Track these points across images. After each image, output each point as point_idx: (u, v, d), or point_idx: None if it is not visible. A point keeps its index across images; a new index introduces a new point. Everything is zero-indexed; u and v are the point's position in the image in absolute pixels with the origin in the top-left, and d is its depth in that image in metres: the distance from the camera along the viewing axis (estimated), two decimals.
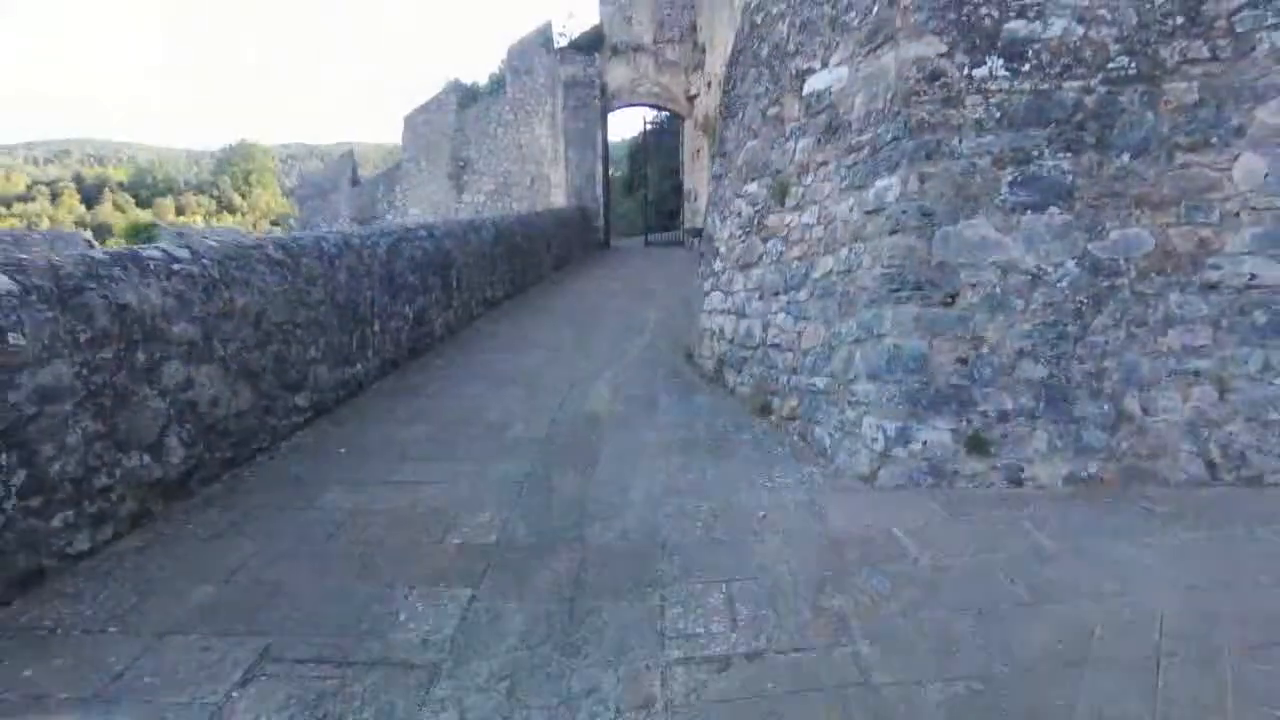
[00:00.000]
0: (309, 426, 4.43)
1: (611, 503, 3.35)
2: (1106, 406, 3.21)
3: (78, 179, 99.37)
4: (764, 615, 2.39)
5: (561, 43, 20.61)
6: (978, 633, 2.22)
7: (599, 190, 19.62)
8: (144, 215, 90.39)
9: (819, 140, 4.42)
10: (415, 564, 2.81)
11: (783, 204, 4.69)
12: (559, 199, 19.75)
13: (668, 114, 22.27)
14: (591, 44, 20.63)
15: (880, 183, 3.85)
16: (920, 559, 2.66)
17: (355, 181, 19.62)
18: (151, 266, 3.29)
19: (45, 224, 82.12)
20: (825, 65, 4.51)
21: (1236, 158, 3.35)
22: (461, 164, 20.04)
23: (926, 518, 2.97)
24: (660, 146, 26.43)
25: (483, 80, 23.27)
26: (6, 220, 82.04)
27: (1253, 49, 3.44)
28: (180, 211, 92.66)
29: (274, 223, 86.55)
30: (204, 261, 3.64)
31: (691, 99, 20.52)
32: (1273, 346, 3.13)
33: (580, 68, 20.01)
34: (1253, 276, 3.23)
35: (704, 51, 19.78)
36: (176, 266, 3.44)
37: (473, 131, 20.23)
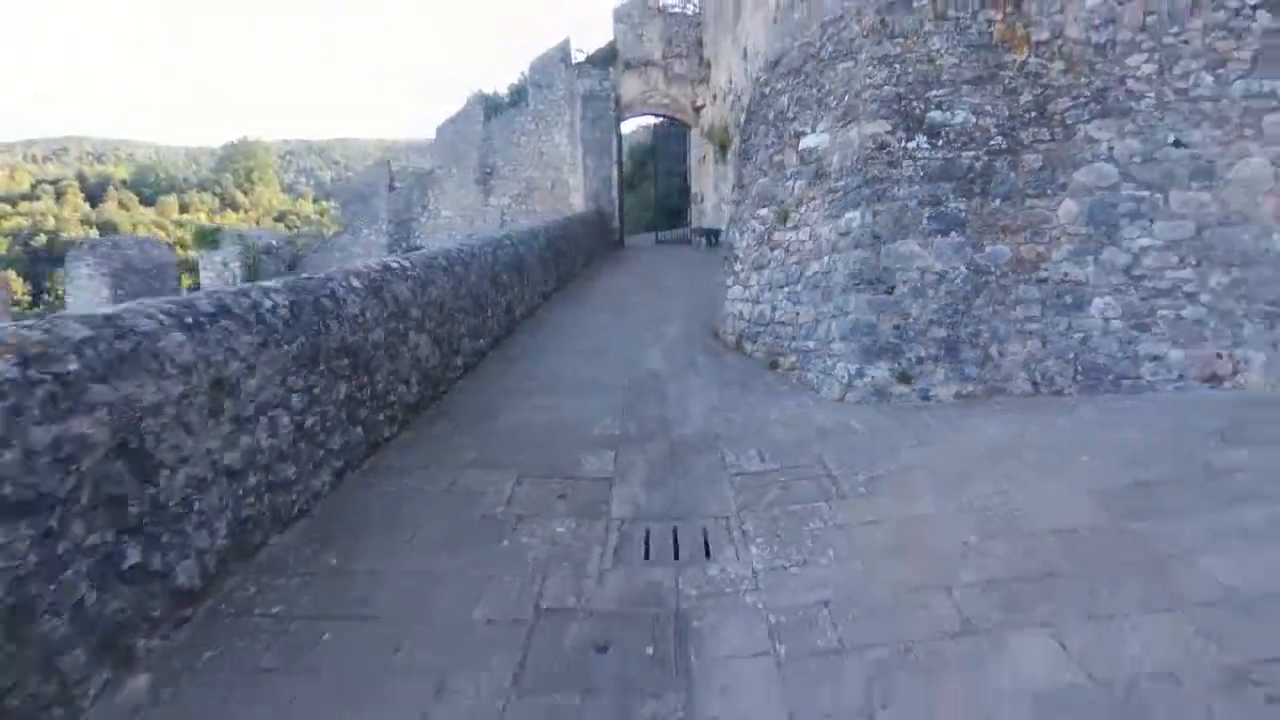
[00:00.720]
0: (462, 379, 6.61)
1: (680, 416, 5.54)
2: (979, 352, 5.41)
3: (80, 177, 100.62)
4: (776, 456, 4.59)
5: (579, 58, 22.77)
6: (890, 453, 4.41)
7: (614, 194, 21.77)
8: (148, 213, 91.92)
9: (809, 182, 6.62)
10: (576, 443, 4.99)
11: (785, 225, 6.89)
12: (577, 202, 21.91)
13: (673, 120, 24.37)
14: (606, 59, 22.77)
15: (848, 215, 6.05)
16: (863, 432, 4.87)
17: (392, 187, 21.75)
18: (401, 272, 5.48)
19: (51, 222, 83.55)
20: (814, 130, 6.71)
21: (1061, 202, 5.56)
22: (488, 170, 22.19)
23: (870, 416, 5.17)
24: (665, 149, 28.59)
25: (503, 89, 25.39)
26: (12, 219, 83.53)
27: (1074, 135, 5.65)
28: (184, 209, 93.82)
29: (277, 219, 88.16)
30: (418, 268, 5.83)
31: (698, 109, 22.67)
32: (1073, 316, 5.34)
33: (596, 81, 22.14)
34: (1065, 275, 5.43)
35: (709, 66, 21.92)
36: (410, 272, 5.63)
37: (498, 140, 22.37)
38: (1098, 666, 2.39)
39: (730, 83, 18.76)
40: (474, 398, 6.10)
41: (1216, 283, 5.21)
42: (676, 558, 3.43)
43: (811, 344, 6.16)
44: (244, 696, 2.44)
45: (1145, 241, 5.37)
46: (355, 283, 4.72)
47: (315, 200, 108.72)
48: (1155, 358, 5.19)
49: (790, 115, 7.06)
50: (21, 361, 2.25)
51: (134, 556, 2.60)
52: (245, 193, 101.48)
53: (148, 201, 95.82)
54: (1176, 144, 5.50)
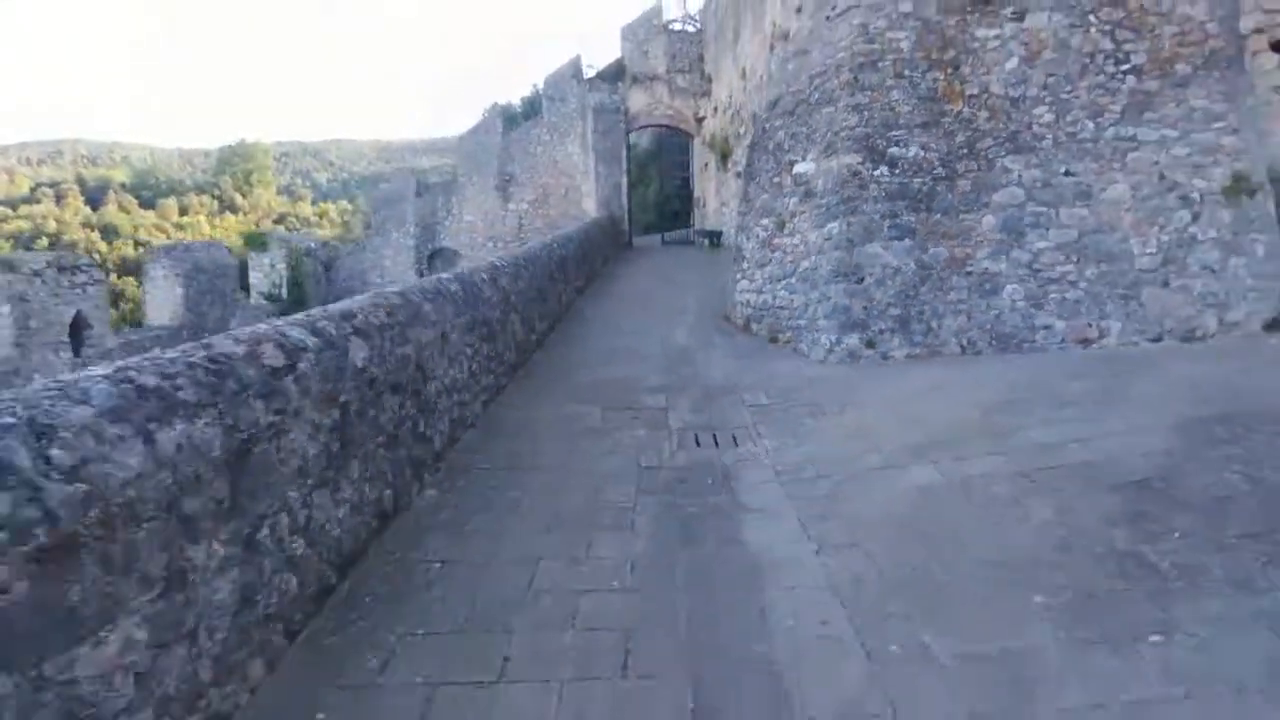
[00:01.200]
0: (536, 352, 8.74)
1: (707, 373, 7.68)
2: (923, 326, 7.57)
3: (80, 180, 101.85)
4: (777, 395, 6.73)
5: (589, 74, 24.93)
6: (855, 392, 6.55)
7: (624, 199, 23.93)
8: (149, 216, 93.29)
9: (800, 200, 8.77)
10: (637, 390, 7.13)
11: (782, 232, 9.04)
12: (589, 206, 24.05)
13: (677, 130, 26.54)
14: (615, 74, 24.95)
15: (829, 225, 8.21)
16: (838, 380, 7.02)
17: (419, 194, 23.84)
18: (503, 269, 7.62)
19: (52, 225, 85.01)
20: (804, 159, 8.88)
21: (984, 216, 7.73)
22: (507, 178, 24.33)
23: (844, 371, 7.32)
24: (667, 153, 30.76)
25: (516, 101, 27.56)
26: (13, 222, 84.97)
27: (994, 166, 7.83)
28: (184, 212, 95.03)
29: (276, 221, 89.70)
30: (510, 266, 7.97)
31: (700, 120, 24.85)
32: (991, 299, 7.51)
33: (606, 95, 24.31)
34: (985, 269, 7.60)
35: (710, 81, 24.10)
36: (507, 269, 7.76)
37: (516, 150, 24.51)
38: (953, 476, 4.54)
39: (730, 97, 20.95)
40: (550, 364, 8.25)
41: (1090, 274, 7.39)
42: (716, 445, 5.58)
43: (803, 322, 8.32)
44: (487, 497, 4.58)
45: (1042, 244, 7.55)
46: (484, 275, 6.86)
47: (314, 202, 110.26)
48: (1046, 327, 7.37)
49: (786, 147, 9.23)
50: (389, 311, 4.39)
51: (422, 425, 4.73)
52: (244, 195, 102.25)
53: (147, 204, 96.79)
54: (1066, 173, 7.68)
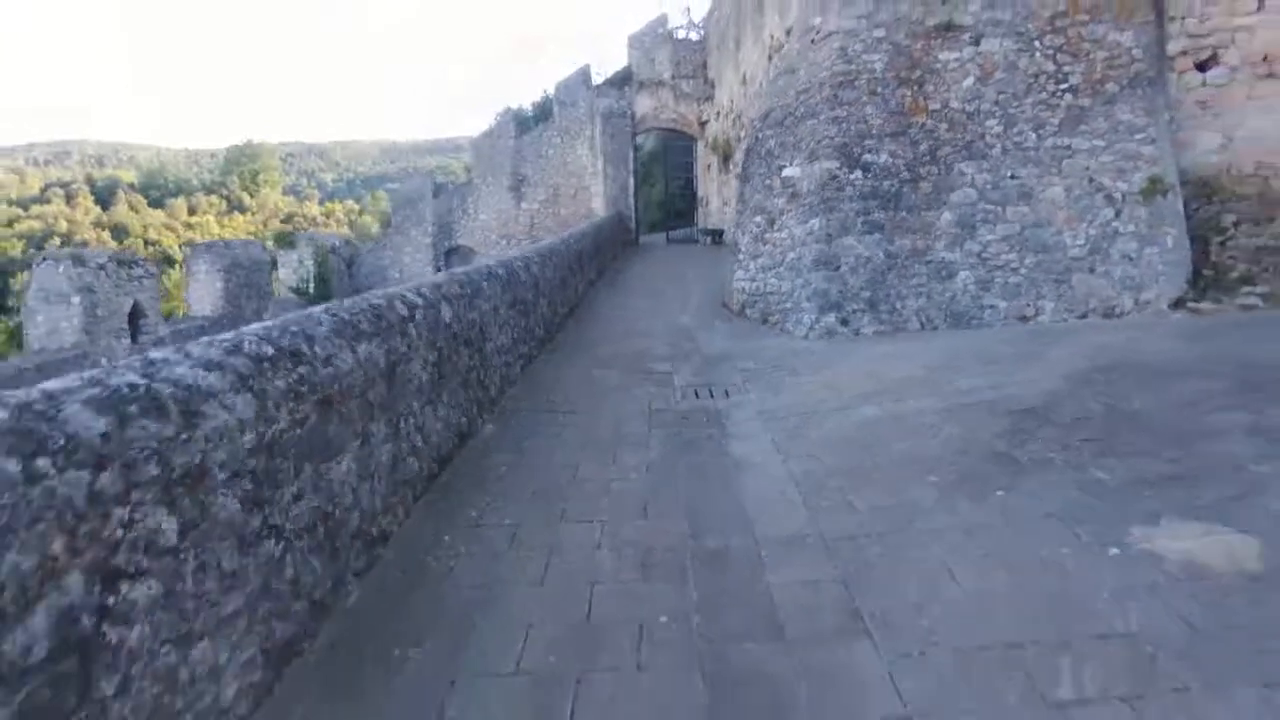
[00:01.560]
0: (559, 332, 10.18)
1: (707, 347, 9.12)
2: (889, 306, 9.00)
3: (89, 180, 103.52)
4: (764, 363, 8.16)
5: (598, 80, 26.40)
6: (829, 359, 7.97)
7: (630, 199, 25.39)
8: (158, 215, 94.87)
9: (787, 200, 10.21)
10: (648, 358, 8.57)
11: (772, 228, 10.47)
12: (598, 205, 25.51)
13: (681, 134, 27.97)
14: (622, 80, 26.41)
15: (812, 221, 9.64)
16: (816, 351, 8.45)
17: (436, 194, 25.33)
18: (534, 258, 9.07)
19: (63, 225, 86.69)
20: (791, 164, 10.31)
21: (942, 214, 9.16)
22: (520, 179, 25.80)
23: (822, 344, 8.75)
24: (671, 153, 32.18)
25: (526, 108, 29.03)
26: (25, 222, 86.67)
27: (952, 170, 9.26)
28: (192, 212, 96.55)
29: (284, 221, 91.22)
30: (538, 257, 9.42)
31: (703, 124, 26.29)
32: (946, 283, 8.93)
33: (614, 100, 25.76)
34: (942, 259, 9.03)
35: (713, 86, 25.54)
36: (534, 259, 9.22)
37: (528, 152, 25.98)
38: (893, 412, 5.97)
39: (731, 102, 22.38)
40: (572, 340, 9.70)
41: (1029, 262, 8.81)
42: (712, 397, 7.01)
43: (789, 305, 9.75)
44: (534, 429, 6.03)
45: (990, 237, 8.97)
46: (519, 263, 8.31)
47: (321, 202, 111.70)
48: (992, 306, 8.79)
49: (776, 154, 10.66)
50: (461, 285, 5.85)
51: (482, 375, 6.19)
52: (251, 195, 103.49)
53: (156, 204, 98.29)
54: (1012, 177, 9.11)
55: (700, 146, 26.91)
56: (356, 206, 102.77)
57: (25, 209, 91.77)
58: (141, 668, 2.13)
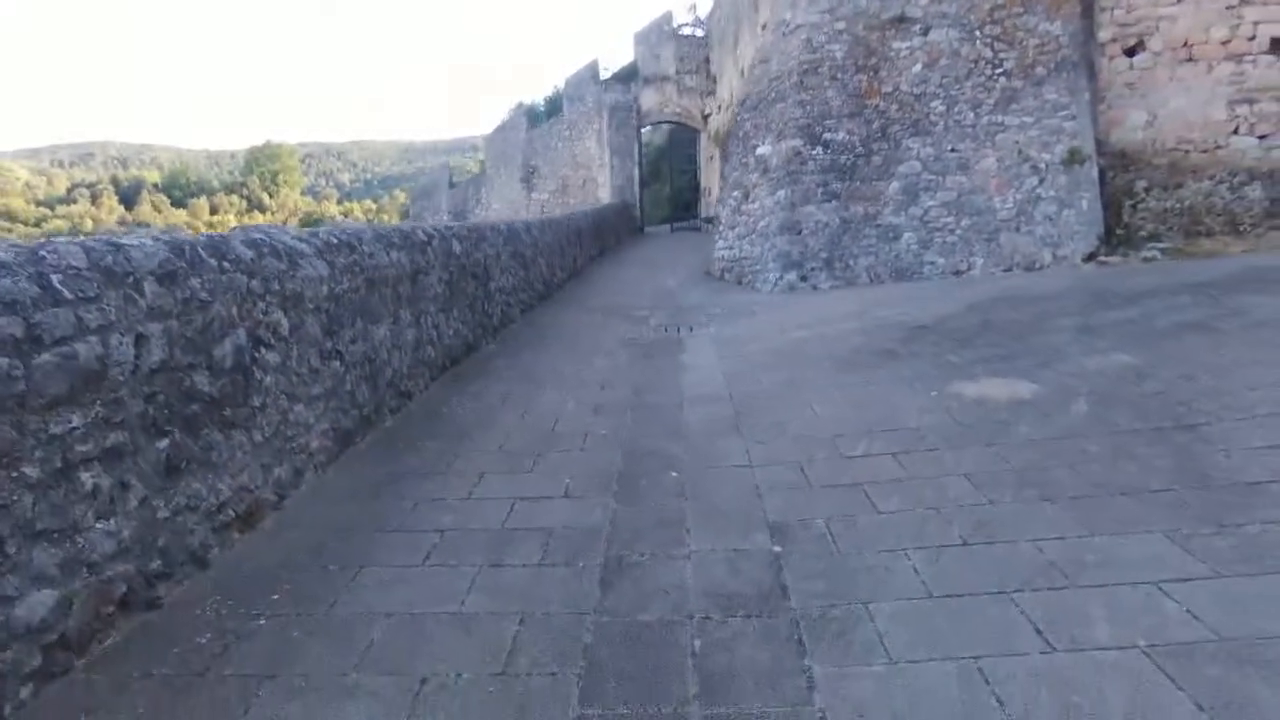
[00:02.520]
0: (559, 291, 11.70)
1: (684, 301, 10.60)
2: (843, 264, 10.42)
3: (115, 181, 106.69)
4: (729, 309, 9.63)
5: (605, 75, 27.93)
6: (786, 305, 9.42)
7: (636, 189, 26.88)
8: (180, 215, 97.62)
9: (759, 175, 11.67)
10: (632, 309, 10.08)
11: (747, 200, 11.93)
12: (605, 196, 27.03)
13: (685, 127, 29.41)
14: (629, 75, 27.91)
15: (779, 193, 11.10)
16: (776, 302, 9.90)
17: (452, 185, 27.02)
18: (534, 224, 10.61)
19: (89, 224, 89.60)
20: (763, 144, 11.77)
21: (890, 183, 10.58)
22: (530, 170, 27.41)
23: (782, 297, 10.20)
24: (678, 149, 33.65)
25: (538, 101, 30.62)
26: (52, 222, 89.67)
27: (899, 146, 10.68)
28: (214, 211, 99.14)
29: (303, 223, 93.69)
30: (537, 224, 10.95)
31: (706, 117, 27.73)
32: (892, 244, 10.34)
33: (620, 94, 27.25)
34: (890, 222, 10.44)
35: (715, 81, 26.98)
36: (534, 224, 10.75)
37: (539, 145, 27.59)
38: (819, 334, 7.42)
39: (731, 95, 23.83)
40: (567, 297, 11.22)
41: (964, 224, 10.21)
42: (678, 332, 8.49)
43: (758, 267, 11.21)
44: (528, 346, 7.56)
45: (931, 203, 10.38)
46: (520, 224, 9.86)
47: (339, 201, 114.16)
48: (931, 263, 10.20)
49: (751, 135, 12.13)
50: (469, 230, 7.39)
51: (486, 306, 7.71)
52: (270, 195, 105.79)
53: (179, 204, 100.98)
54: (952, 150, 10.51)
55: (703, 139, 28.33)
56: (374, 206, 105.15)
57: (52, 209, 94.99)
58: (272, 400, 3.67)
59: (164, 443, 2.89)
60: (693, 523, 3.40)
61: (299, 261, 4.02)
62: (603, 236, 18.13)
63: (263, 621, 2.67)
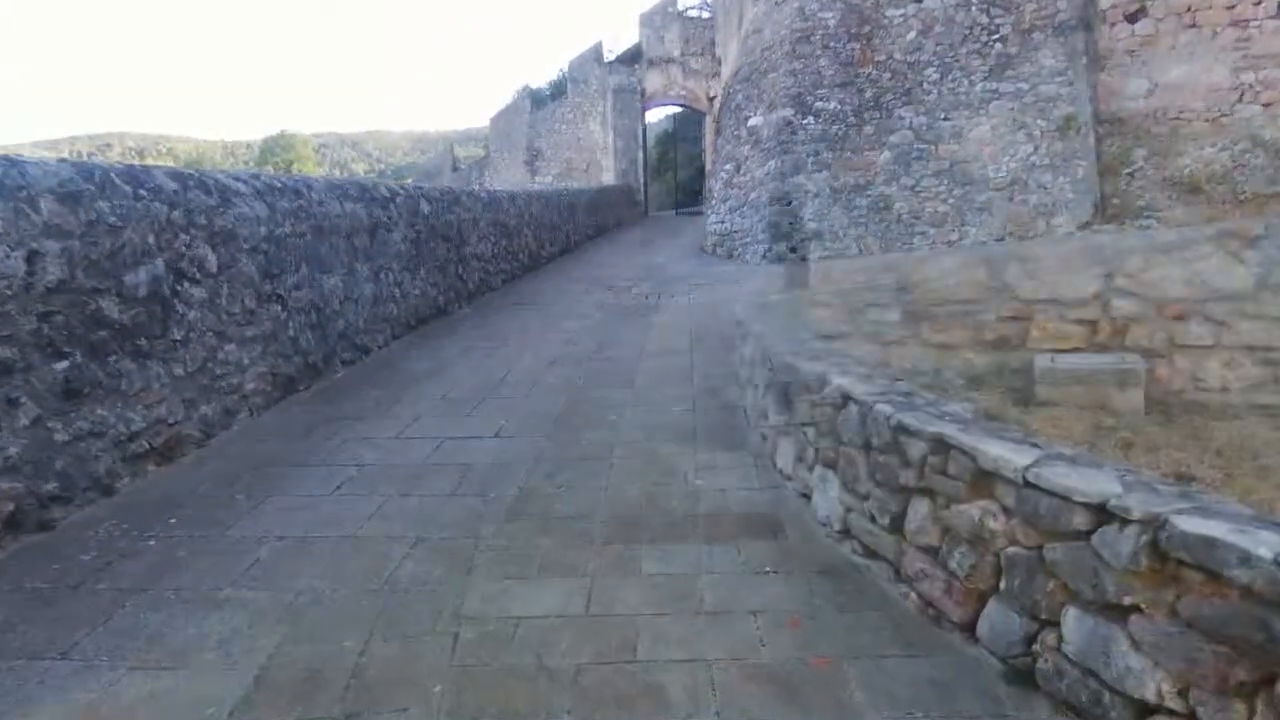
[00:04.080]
0: (548, 264, 11.61)
1: (672, 273, 10.48)
2: (832, 235, 10.26)
3: None
4: (715, 280, 9.51)
5: (609, 57, 27.71)
6: (768, 272, 9.29)
7: (640, 172, 26.69)
8: None
9: (751, 147, 11.50)
10: (617, 280, 9.97)
11: (739, 173, 11.77)
12: (609, 179, 26.85)
13: (690, 109, 29.17)
14: (633, 57, 27.69)
15: (769, 163, 10.93)
16: (760, 271, 9.77)
17: (455, 168, 26.95)
18: (518, 197, 10.52)
19: None
20: (754, 114, 11.60)
21: (882, 153, 10.39)
22: (534, 154, 27.29)
23: (769, 267, 10.07)
24: (685, 135, 33.39)
25: (541, 84, 30.46)
26: None
27: (892, 115, 10.47)
28: None
29: None
30: (523, 196, 10.86)
31: (711, 100, 27.45)
32: (884, 215, 10.16)
33: (624, 76, 27.03)
34: (881, 193, 10.26)
35: (720, 63, 26.71)
36: (519, 195, 10.66)
37: (542, 128, 27.45)
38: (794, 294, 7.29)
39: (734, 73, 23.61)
40: (555, 270, 11.11)
41: (956, 193, 10.01)
42: (659, 298, 8.38)
43: (748, 239, 11.06)
44: (502, 312, 7.48)
45: (923, 173, 10.18)
46: (503, 194, 9.76)
47: None
48: (922, 233, 10.01)
49: (742, 106, 11.95)
50: (442, 192, 7.31)
51: (460, 271, 7.64)
52: None
53: None
54: (945, 119, 10.29)
55: (708, 121, 28.06)
56: None
57: None
58: (196, 336, 3.60)
59: (63, 365, 2.83)
60: (618, 457, 3.30)
61: (232, 200, 3.95)
62: (601, 214, 18.00)
63: (152, 543, 2.61)
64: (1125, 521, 1.57)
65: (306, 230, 4.67)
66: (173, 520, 2.76)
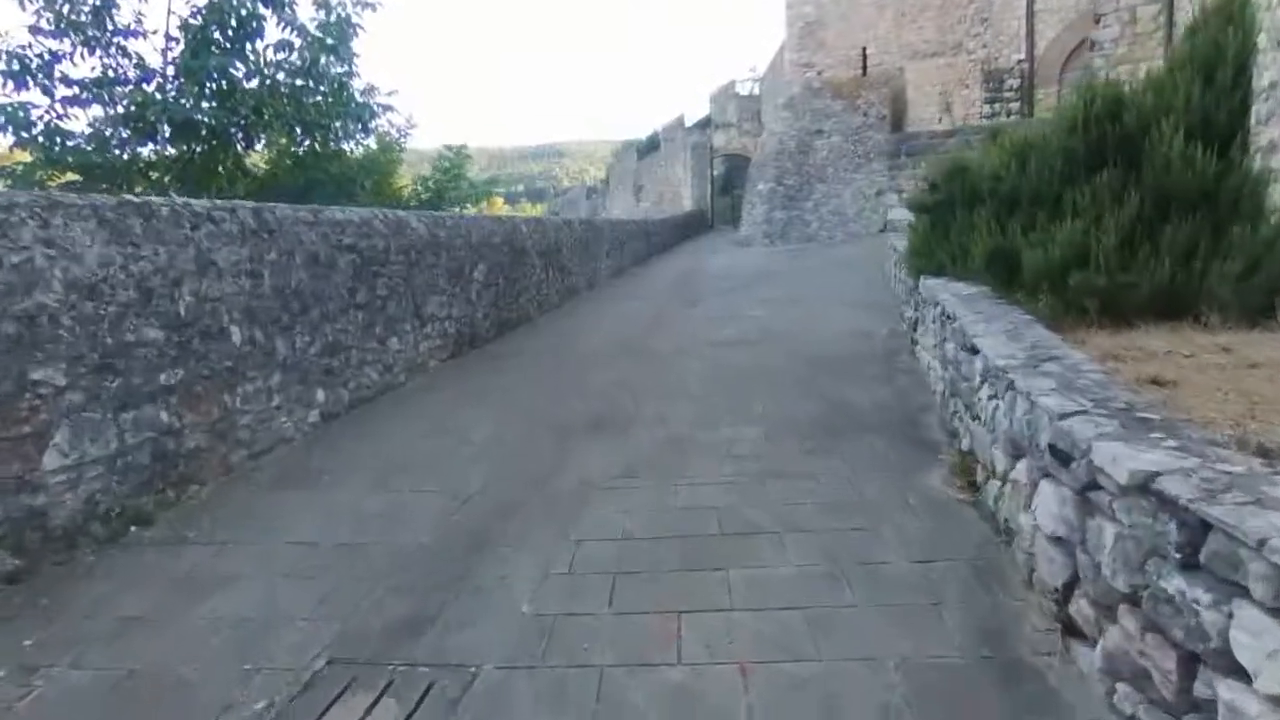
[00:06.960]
0: (670, 249, 27.01)
1: (711, 268, 25.76)
2: (785, 238, 25.35)
3: None
4: (734, 254, 24.71)
5: (688, 123, 43.36)
6: (756, 253, 24.37)
7: (709, 200, 42.16)
8: None
9: (757, 198, 26.82)
10: (668, 273, 25.31)
11: (753, 210, 27.05)
12: (688, 204, 42.41)
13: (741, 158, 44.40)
14: (704, 123, 43.28)
15: (762, 207, 26.22)
16: (756, 252, 24.93)
17: (588, 196, 42.95)
18: (568, 223, 26.05)
19: None
20: (761, 183, 26.93)
21: (808, 202, 25.55)
22: (639, 187, 43.05)
23: (761, 249, 25.23)
24: (741, 175, 48.57)
25: (641, 140, 46.37)
26: None
27: (814, 188, 25.68)
28: None
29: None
30: (569, 225, 26.40)
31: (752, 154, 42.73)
32: (808, 230, 25.17)
33: (698, 136, 42.61)
34: (808, 221, 25.32)
35: (763, 127, 41.92)
36: (606, 223, 26.18)
37: (643, 170, 43.23)
38: (785, 259, 22.52)
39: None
40: (632, 275, 26.56)
41: (834, 220, 25.03)
42: (694, 305, 23.72)
43: (762, 230, 26.29)
44: (575, 314, 22.97)
45: (825, 210, 25.22)
46: (646, 221, 25.33)
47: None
48: (827, 236, 25.06)
49: (755, 178, 27.22)
50: (553, 225, 22.88)
51: (592, 269, 23.14)
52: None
53: None
54: (834, 190, 25.38)
55: (751, 166, 43.40)
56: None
57: None
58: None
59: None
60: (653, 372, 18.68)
61: (553, 230, 19.40)
62: (686, 229, 33.46)
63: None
64: None
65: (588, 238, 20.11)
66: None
